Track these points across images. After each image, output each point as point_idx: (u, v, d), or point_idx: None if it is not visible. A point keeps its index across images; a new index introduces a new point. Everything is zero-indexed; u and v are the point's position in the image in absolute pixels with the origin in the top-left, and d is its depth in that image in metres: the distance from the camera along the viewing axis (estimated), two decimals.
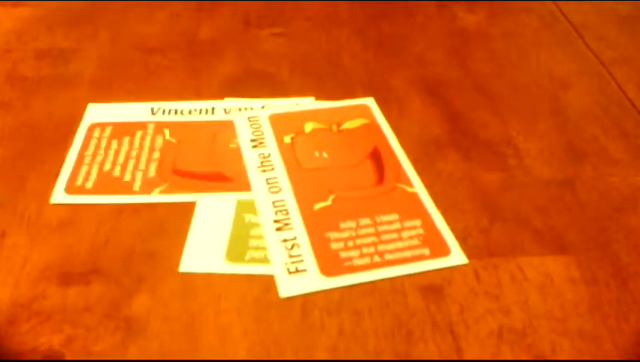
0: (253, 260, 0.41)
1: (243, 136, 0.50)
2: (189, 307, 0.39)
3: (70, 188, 0.46)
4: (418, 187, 0.46)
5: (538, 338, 0.37)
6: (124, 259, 0.41)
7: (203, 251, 0.42)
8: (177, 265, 0.41)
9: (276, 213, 0.44)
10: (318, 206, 0.44)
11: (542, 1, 0.66)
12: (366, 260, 0.41)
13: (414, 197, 0.45)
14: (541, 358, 0.36)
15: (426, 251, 0.42)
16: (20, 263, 0.41)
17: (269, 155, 0.49)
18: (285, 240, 0.42)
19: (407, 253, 0.41)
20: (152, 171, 0.48)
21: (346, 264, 0.41)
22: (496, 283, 0.40)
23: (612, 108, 0.53)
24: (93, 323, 0.38)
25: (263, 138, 0.50)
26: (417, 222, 0.43)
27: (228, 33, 0.62)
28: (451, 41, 0.61)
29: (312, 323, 0.38)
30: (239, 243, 0.42)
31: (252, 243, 0.42)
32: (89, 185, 0.46)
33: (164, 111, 0.54)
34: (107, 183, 0.47)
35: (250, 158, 0.48)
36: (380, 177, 0.47)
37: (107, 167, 0.48)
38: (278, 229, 0.43)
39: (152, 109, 0.54)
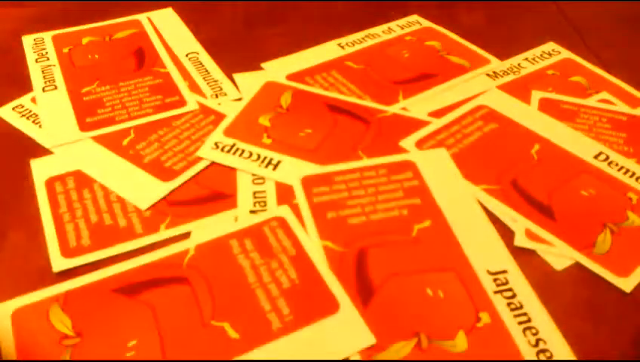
0: None
1: None
2: None
3: (66, 251, 0.42)
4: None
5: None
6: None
7: None
8: None
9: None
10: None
11: (542, 1, 0.66)
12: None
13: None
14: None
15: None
16: (20, 263, 0.41)
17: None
18: None
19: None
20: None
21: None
22: None
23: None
24: None
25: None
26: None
27: (228, 33, 0.62)
28: None
29: None
30: None
31: None
32: (85, 242, 0.42)
33: None
34: (104, 235, 0.43)
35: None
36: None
37: (94, 218, 0.44)
38: None
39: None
